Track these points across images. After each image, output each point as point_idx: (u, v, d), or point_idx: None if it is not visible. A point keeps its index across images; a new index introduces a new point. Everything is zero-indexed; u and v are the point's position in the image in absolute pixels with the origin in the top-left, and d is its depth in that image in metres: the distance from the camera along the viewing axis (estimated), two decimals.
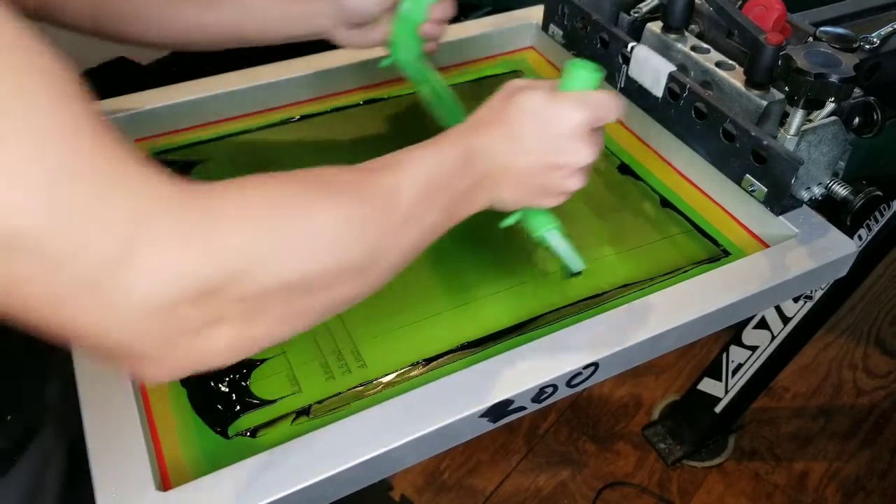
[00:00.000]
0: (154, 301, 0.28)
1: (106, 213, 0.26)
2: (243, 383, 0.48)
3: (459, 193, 0.42)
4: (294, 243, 0.32)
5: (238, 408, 0.47)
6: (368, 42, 0.63)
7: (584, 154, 0.44)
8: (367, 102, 0.74)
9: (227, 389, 0.48)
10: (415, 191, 0.39)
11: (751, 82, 0.58)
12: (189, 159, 0.66)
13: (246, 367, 0.49)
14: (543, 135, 0.44)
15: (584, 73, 0.45)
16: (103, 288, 0.26)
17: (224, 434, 0.46)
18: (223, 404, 0.47)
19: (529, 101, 0.44)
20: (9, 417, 0.46)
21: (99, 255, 0.26)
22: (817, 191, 0.58)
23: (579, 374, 0.48)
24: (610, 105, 0.46)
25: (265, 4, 0.57)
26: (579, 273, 0.55)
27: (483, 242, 0.59)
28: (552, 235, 0.50)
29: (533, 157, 0.44)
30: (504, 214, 0.49)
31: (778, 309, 1.06)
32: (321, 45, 0.73)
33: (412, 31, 0.62)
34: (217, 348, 0.31)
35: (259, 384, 0.48)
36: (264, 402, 0.47)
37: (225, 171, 0.64)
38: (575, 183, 0.46)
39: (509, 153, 0.44)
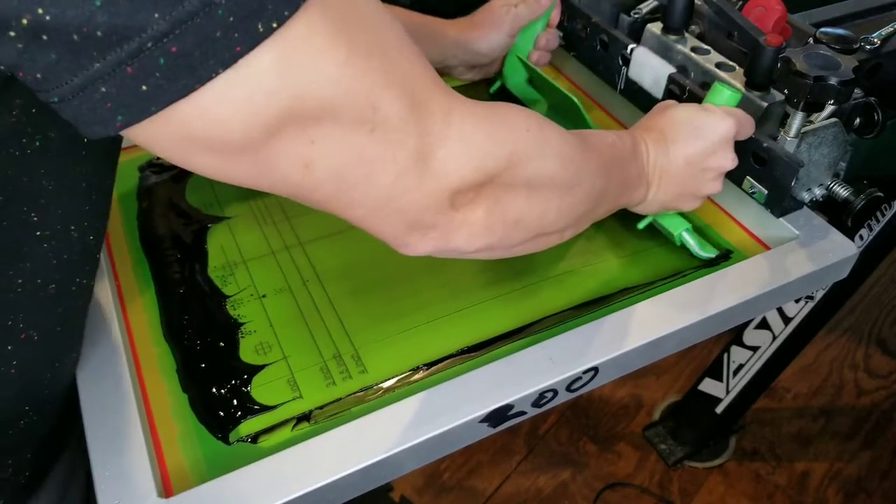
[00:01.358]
0: (453, 179, 0.35)
1: (433, 104, 0.33)
2: (244, 389, 0.48)
3: (627, 177, 0.48)
4: (540, 147, 0.39)
5: (239, 414, 0.47)
6: (482, 76, 0.71)
7: (729, 159, 0.51)
8: None
9: (228, 395, 0.48)
10: (602, 150, 0.45)
11: (751, 84, 0.58)
12: None
13: (247, 373, 0.49)
14: (696, 141, 0.50)
15: (728, 91, 0.52)
16: (427, 161, 0.34)
17: (225, 440, 0.46)
18: (224, 410, 0.47)
19: (682, 112, 0.51)
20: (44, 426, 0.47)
21: (428, 135, 0.33)
22: (818, 192, 0.58)
23: (579, 378, 0.47)
24: (750, 122, 0.53)
25: None
26: (712, 257, 0.57)
27: None
28: (687, 235, 0.56)
29: (685, 162, 0.50)
30: (638, 218, 0.56)
31: (779, 309, 1.06)
32: None
33: (522, 60, 0.69)
34: (471, 222, 0.37)
35: (260, 390, 0.48)
36: (265, 408, 0.47)
37: None
38: (715, 186, 0.52)
39: (663, 158, 0.50)
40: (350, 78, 0.29)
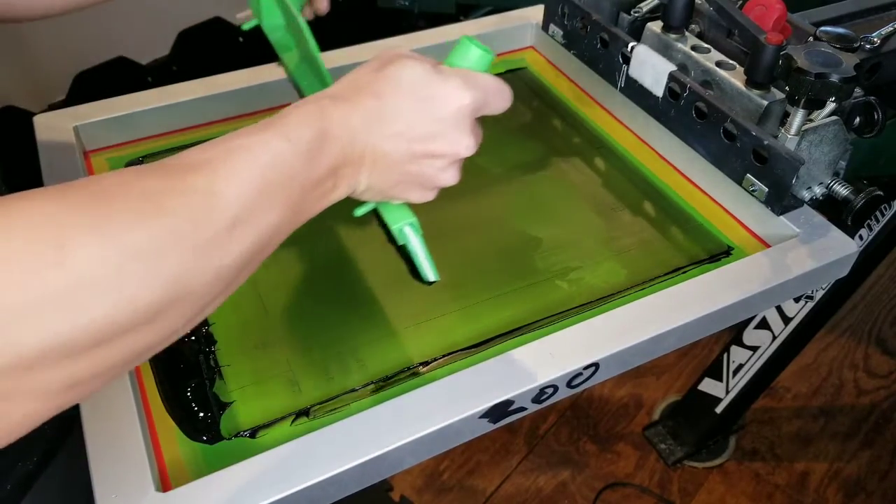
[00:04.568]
0: None
1: None
2: (208, 388, 0.48)
3: (311, 184, 0.35)
4: (52, 295, 0.24)
5: (210, 414, 0.47)
6: None
7: (466, 144, 0.39)
8: None
9: (200, 396, 0.48)
10: (243, 190, 0.31)
11: (751, 82, 0.58)
12: None
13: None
14: (421, 115, 0.38)
15: (476, 49, 0.40)
16: None
17: (216, 437, 0.45)
18: (201, 411, 0.47)
19: (408, 74, 0.38)
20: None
21: None
22: (818, 190, 0.58)
23: (580, 374, 0.47)
24: (501, 91, 0.41)
25: None
26: (431, 283, 0.46)
27: (485, 244, 0.59)
28: (410, 231, 0.43)
29: (405, 142, 0.38)
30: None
31: (779, 309, 1.06)
32: (320, 45, 0.73)
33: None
34: None
35: (260, 387, 0.48)
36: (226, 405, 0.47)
37: None
38: (450, 177, 0.41)
39: (376, 135, 0.37)
40: None
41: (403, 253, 0.46)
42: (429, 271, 0.44)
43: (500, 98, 0.41)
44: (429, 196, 0.42)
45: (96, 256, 0.26)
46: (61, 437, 0.47)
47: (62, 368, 0.26)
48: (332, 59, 0.73)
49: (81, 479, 0.48)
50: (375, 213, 0.45)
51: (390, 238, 0.47)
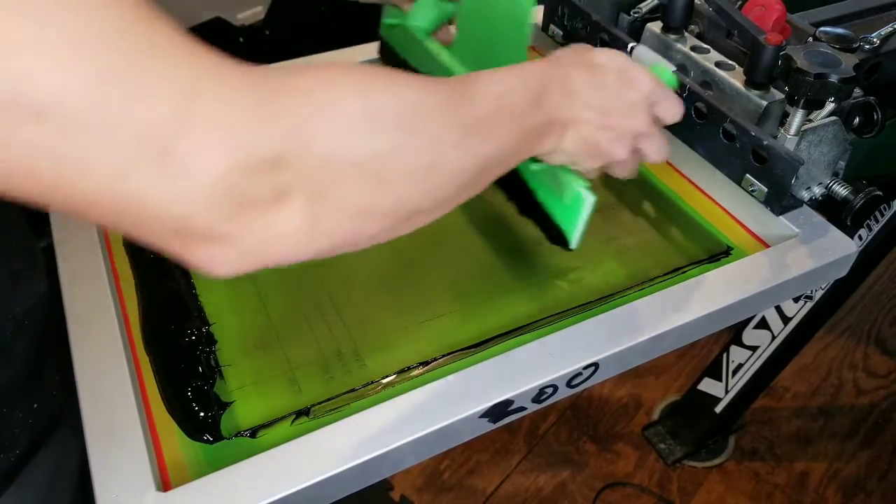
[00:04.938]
0: (214, 170, 0.27)
1: (157, 77, 0.26)
2: (209, 388, 0.48)
3: (529, 128, 0.39)
4: (361, 114, 0.31)
5: (213, 411, 0.47)
6: None
7: (643, 123, 0.44)
8: None
9: (203, 395, 0.48)
10: (485, 102, 0.37)
11: (751, 82, 0.58)
12: None
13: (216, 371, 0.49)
14: (620, 93, 0.43)
15: (665, 68, 0.48)
16: (165, 154, 0.26)
17: (217, 437, 0.46)
18: (202, 410, 0.47)
19: (614, 59, 0.44)
20: (35, 405, 0.46)
21: (156, 119, 0.26)
22: (817, 191, 0.58)
23: (579, 374, 0.47)
24: (677, 99, 0.46)
25: None
26: (570, 249, 0.48)
27: (485, 244, 0.59)
28: (587, 194, 0.45)
29: (605, 115, 0.43)
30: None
31: (778, 309, 1.06)
32: (321, 45, 0.74)
33: None
34: (288, 229, 0.30)
35: (260, 386, 0.48)
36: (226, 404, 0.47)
37: None
38: (622, 151, 0.45)
39: (587, 103, 0.42)
40: None
41: (542, 218, 0.49)
42: (578, 237, 0.47)
43: (674, 104, 0.46)
44: (599, 163, 0.45)
45: (398, 96, 0.33)
46: (43, 436, 0.47)
47: (361, 189, 0.32)
48: (334, 58, 0.73)
49: (67, 477, 0.48)
50: (502, 183, 0.45)
51: (523, 209, 0.52)
